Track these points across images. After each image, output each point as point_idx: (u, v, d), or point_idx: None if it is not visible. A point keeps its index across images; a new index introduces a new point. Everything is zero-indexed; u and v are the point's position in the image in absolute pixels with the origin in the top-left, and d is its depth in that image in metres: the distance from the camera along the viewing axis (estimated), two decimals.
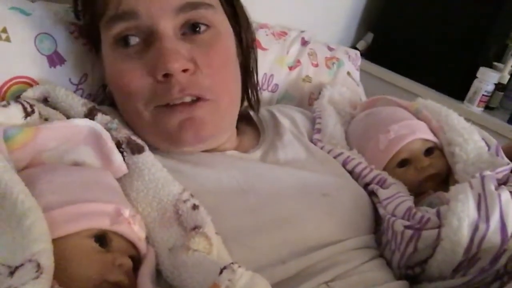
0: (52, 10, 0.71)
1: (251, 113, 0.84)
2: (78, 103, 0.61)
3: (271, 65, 1.01)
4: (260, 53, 0.84)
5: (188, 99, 0.60)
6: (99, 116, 0.59)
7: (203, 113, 0.61)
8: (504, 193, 0.57)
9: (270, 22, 1.08)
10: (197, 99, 0.61)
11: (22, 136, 0.49)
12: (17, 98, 0.62)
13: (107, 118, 0.60)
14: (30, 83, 0.67)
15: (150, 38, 0.59)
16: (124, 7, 0.58)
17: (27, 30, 0.67)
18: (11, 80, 0.65)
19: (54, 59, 0.70)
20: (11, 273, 0.35)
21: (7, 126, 0.49)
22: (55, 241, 0.39)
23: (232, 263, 0.41)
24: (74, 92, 0.70)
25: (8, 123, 0.51)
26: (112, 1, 0.59)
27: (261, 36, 1.00)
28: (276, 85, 1.03)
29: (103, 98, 0.76)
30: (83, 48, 0.73)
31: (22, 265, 0.35)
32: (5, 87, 0.65)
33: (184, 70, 0.58)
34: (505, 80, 1.31)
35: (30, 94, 0.62)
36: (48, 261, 0.36)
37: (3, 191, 0.40)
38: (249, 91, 0.79)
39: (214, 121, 0.63)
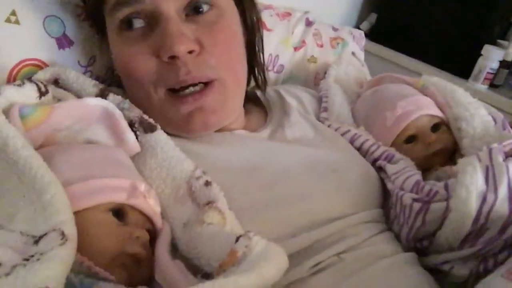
0: None
1: (258, 93, 0.85)
2: (90, 84, 0.62)
3: (276, 45, 1.02)
4: (265, 34, 0.84)
5: (197, 88, 0.61)
6: (111, 96, 0.60)
7: (212, 101, 0.63)
8: None
9: (274, 3, 1.08)
10: (205, 85, 0.62)
11: (37, 115, 0.49)
12: (25, 79, 0.63)
13: (119, 98, 0.60)
14: (40, 65, 0.68)
15: (154, 20, 0.60)
16: None
17: (36, 12, 0.68)
18: (21, 62, 0.66)
19: (63, 42, 0.70)
20: (36, 242, 0.36)
21: (22, 105, 0.50)
22: (74, 214, 0.40)
23: (248, 231, 0.42)
24: (83, 74, 0.70)
25: (23, 102, 0.52)
26: None
27: (265, 17, 1.00)
28: (282, 65, 1.03)
29: (111, 80, 0.77)
30: (91, 30, 0.73)
31: (45, 234, 0.36)
32: (16, 70, 0.66)
33: (190, 52, 0.59)
34: (509, 58, 1.31)
35: (41, 76, 0.63)
36: (71, 230, 0.37)
37: (23, 166, 0.41)
38: (256, 70, 0.79)
39: (223, 106, 0.65)
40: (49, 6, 0.69)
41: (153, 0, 0.58)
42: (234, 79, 0.67)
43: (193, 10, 0.62)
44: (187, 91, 0.62)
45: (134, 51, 0.61)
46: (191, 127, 0.63)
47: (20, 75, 0.66)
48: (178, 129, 0.64)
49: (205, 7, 0.62)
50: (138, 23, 0.61)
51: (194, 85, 0.62)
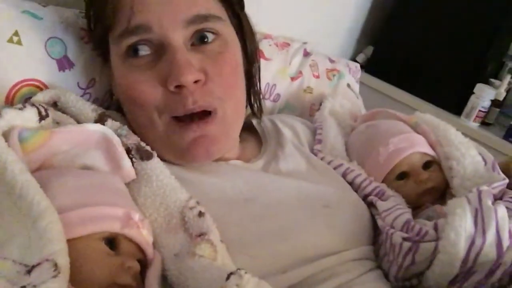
0: (63, 15, 0.73)
1: (254, 122, 0.86)
2: (88, 108, 0.62)
3: (274, 75, 1.03)
4: (263, 63, 0.85)
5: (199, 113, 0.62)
6: (109, 122, 0.60)
7: (215, 130, 0.64)
8: (500, 208, 0.59)
9: (273, 33, 1.10)
10: (209, 114, 0.63)
11: (37, 139, 0.50)
12: (25, 100, 0.63)
13: (117, 124, 0.61)
14: (39, 86, 0.68)
15: (161, 50, 0.61)
16: (136, 21, 0.59)
17: (38, 34, 0.68)
18: (20, 82, 0.66)
19: (64, 63, 0.71)
20: (28, 272, 0.36)
21: (22, 128, 0.50)
22: (67, 242, 0.40)
23: (239, 269, 0.43)
24: (82, 96, 0.71)
25: (23, 125, 0.52)
26: (123, 14, 0.60)
27: (264, 46, 1.02)
28: (278, 95, 1.04)
29: (110, 103, 0.77)
30: (92, 53, 0.74)
31: (39, 264, 0.36)
32: (15, 89, 0.66)
33: (196, 81, 0.60)
34: (501, 97, 1.34)
35: (40, 98, 0.63)
36: (64, 261, 0.37)
37: (19, 192, 0.41)
38: (252, 98, 0.81)
39: (225, 134, 0.66)
40: (53, 28, 0.70)
41: (161, 30, 0.60)
42: (236, 108, 0.68)
43: (198, 40, 0.63)
44: (189, 112, 0.62)
45: (140, 78, 0.62)
46: (194, 155, 0.63)
47: (19, 95, 0.66)
48: (181, 156, 0.65)
49: (210, 37, 0.64)
50: (144, 51, 0.61)
51: (198, 114, 0.62)
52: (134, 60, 0.62)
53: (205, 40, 0.63)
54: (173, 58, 0.59)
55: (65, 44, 0.71)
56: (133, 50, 0.61)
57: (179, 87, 0.59)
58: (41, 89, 0.68)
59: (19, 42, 0.66)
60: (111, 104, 0.77)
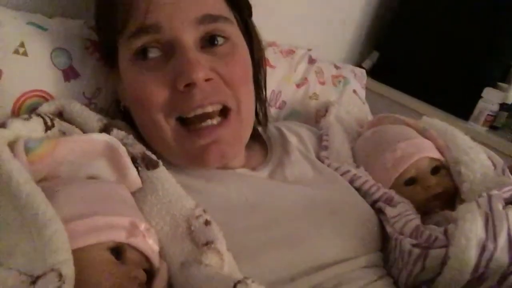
0: (68, 26, 0.73)
1: (259, 129, 0.85)
2: (94, 118, 0.62)
3: (279, 82, 1.03)
4: (268, 70, 0.85)
5: (214, 121, 0.62)
6: (115, 131, 0.60)
7: (229, 133, 0.63)
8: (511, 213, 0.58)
9: (278, 41, 1.10)
10: (222, 114, 0.63)
11: (42, 149, 0.50)
12: (31, 111, 0.63)
13: (123, 133, 0.61)
14: (45, 97, 0.68)
15: (171, 50, 0.61)
16: (148, 21, 0.59)
17: (44, 45, 0.69)
18: (26, 93, 0.67)
19: (69, 74, 0.71)
20: (33, 283, 0.36)
21: (28, 138, 0.50)
22: (73, 252, 0.40)
23: (246, 277, 0.42)
24: (88, 106, 0.71)
25: (29, 136, 0.52)
26: (133, 16, 0.60)
27: (269, 54, 1.02)
28: (284, 102, 1.04)
29: (116, 112, 0.77)
30: (98, 63, 0.74)
31: (44, 274, 0.36)
32: (21, 100, 0.66)
33: (207, 80, 0.60)
34: (509, 100, 1.32)
35: (46, 108, 0.63)
36: (69, 271, 0.37)
37: (24, 201, 0.41)
38: (258, 107, 0.80)
39: (238, 138, 0.65)
40: (58, 38, 0.71)
41: (172, 30, 0.60)
42: (248, 110, 0.68)
43: (208, 42, 0.63)
44: (204, 124, 0.62)
45: (149, 79, 0.61)
46: (208, 161, 0.63)
47: (25, 105, 0.67)
48: (194, 162, 0.64)
49: (220, 40, 0.64)
50: (153, 53, 0.61)
51: (209, 116, 0.62)
52: (143, 63, 0.62)
53: (215, 42, 0.63)
54: (183, 57, 0.59)
55: (71, 54, 0.72)
56: (142, 53, 0.61)
57: (189, 85, 0.59)
58: (47, 100, 0.68)
59: (24, 53, 0.67)
60: (117, 114, 0.77)
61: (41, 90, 0.68)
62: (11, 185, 0.43)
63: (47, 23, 0.71)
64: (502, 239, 0.56)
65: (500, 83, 1.39)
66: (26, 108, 0.67)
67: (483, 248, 0.55)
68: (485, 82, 1.35)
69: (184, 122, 0.63)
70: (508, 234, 0.56)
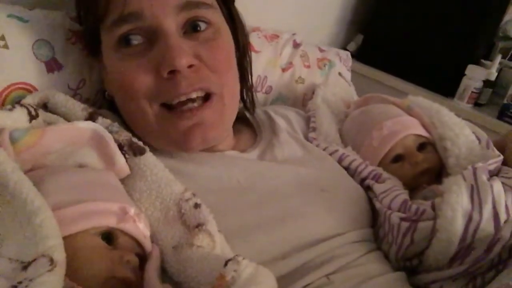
0: (49, 17, 0.72)
1: (247, 113, 0.86)
2: (78, 107, 0.62)
3: (265, 67, 1.03)
4: (253, 55, 0.85)
5: (195, 104, 0.62)
6: (100, 119, 0.60)
7: (211, 115, 0.63)
8: (496, 184, 0.59)
9: (262, 25, 1.10)
10: (205, 98, 0.63)
11: (28, 139, 0.50)
12: (16, 104, 0.63)
13: (108, 121, 0.61)
14: (29, 89, 0.68)
15: (153, 37, 0.61)
16: (129, 9, 0.59)
17: (25, 37, 0.68)
18: (10, 86, 0.66)
19: (52, 65, 0.71)
20: (24, 268, 0.36)
21: (13, 129, 0.50)
22: (64, 239, 0.40)
23: (237, 255, 0.43)
24: (73, 97, 0.70)
25: (14, 126, 0.52)
26: (115, 4, 0.60)
27: (253, 39, 1.02)
28: (270, 86, 1.04)
29: (101, 103, 0.77)
30: (81, 53, 0.74)
31: (35, 260, 0.36)
32: (4, 94, 0.66)
33: (190, 66, 0.60)
34: (493, 77, 1.33)
35: (30, 100, 0.62)
36: (61, 256, 0.37)
37: (12, 190, 0.41)
38: (245, 94, 0.81)
39: (221, 121, 0.65)
40: (39, 30, 0.70)
41: (154, 16, 0.60)
42: (232, 94, 0.68)
43: (191, 28, 0.63)
44: (185, 107, 0.62)
45: (132, 66, 0.61)
46: (190, 143, 0.63)
47: (9, 98, 0.66)
48: (176, 145, 0.64)
49: (202, 26, 0.64)
50: (136, 40, 0.61)
51: (193, 101, 0.62)
52: (126, 50, 0.62)
53: (198, 28, 0.63)
54: (165, 44, 0.59)
55: (53, 46, 0.71)
56: (125, 40, 0.61)
57: (172, 72, 0.59)
58: (31, 92, 0.67)
59: (5, 46, 0.66)
60: (103, 104, 0.77)
61: (25, 83, 0.68)
62: None
63: (28, 14, 0.70)
64: (487, 210, 0.57)
65: (483, 61, 1.41)
66: (10, 101, 0.66)
67: (469, 219, 0.57)
68: (470, 60, 1.36)
69: (168, 107, 0.63)
70: (493, 205, 0.57)
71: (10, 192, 0.41)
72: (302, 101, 1.05)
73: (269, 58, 1.04)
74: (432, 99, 0.86)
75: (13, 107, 0.55)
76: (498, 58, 1.33)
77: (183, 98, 0.61)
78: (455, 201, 0.57)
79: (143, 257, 0.48)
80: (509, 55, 1.51)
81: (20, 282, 0.34)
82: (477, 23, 1.36)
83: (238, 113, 0.75)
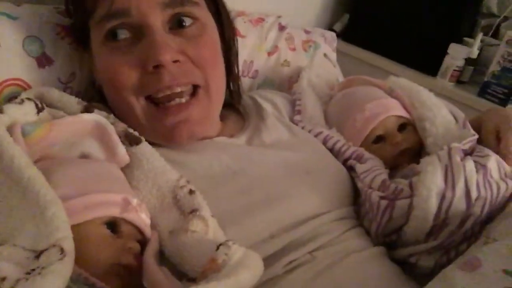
0: (38, 12, 0.74)
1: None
2: (73, 101, 0.64)
3: (250, 51, 1.05)
4: (239, 40, 0.87)
5: (182, 100, 0.65)
6: (96, 112, 0.63)
7: (198, 112, 0.66)
8: (469, 163, 0.63)
9: (247, 9, 1.11)
10: (191, 96, 0.66)
11: (39, 132, 0.53)
12: (9, 100, 0.65)
13: (104, 113, 0.63)
14: (22, 85, 0.70)
15: (140, 33, 0.63)
16: (116, 5, 0.61)
17: (15, 34, 0.70)
18: (2, 83, 0.68)
19: (43, 60, 0.73)
20: (37, 257, 0.40)
21: (24, 123, 0.53)
22: (71, 228, 0.43)
23: (228, 240, 0.47)
24: (64, 90, 0.72)
25: (24, 119, 0.56)
26: (103, 0, 0.62)
27: (239, 23, 1.03)
28: (256, 71, 1.06)
29: (92, 95, 0.79)
30: (70, 47, 0.76)
31: (46, 249, 0.40)
32: None
33: (175, 61, 0.63)
34: (474, 55, 1.36)
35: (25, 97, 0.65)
36: (70, 246, 0.41)
37: (26, 184, 0.45)
38: (231, 85, 0.83)
39: (207, 116, 0.68)
40: (28, 27, 0.72)
41: (140, 13, 0.62)
42: (217, 89, 0.71)
43: (176, 24, 0.65)
44: (172, 102, 0.65)
45: (119, 60, 0.64)
46: (177, 138, 0.66)
47: (2, 94, 0.68)
48: (164, 139, 0.67)
49: (188, 21, 0.66)
50: (123, 34, 0.64)
51: (180, 96, 0.65)
52: (113, 44, 0.64)
53: (183, 24, 0.66)
54: (151, 40, 0.62)
55: (42, 41, 0.73)
56: (112, 34, 0.63)
57: (157, 67, 0.62)
58: (24, 88, 0.70)
59: None
60: (93, 97, 0.79)
61: (17, 79, 0.70)
62: (13, 168, 0.46)
63: (16, 11, 0.72)
64: (460, 188, 0.61)
65: (466, 38, 1.43)
66: (5, 96, 0.68)
67: (442, 197, 0.61)
68: (452, 38, 1.39)
69: (154, 101, 0.65)
70: (465, 183, 0.61)
71: (24, 186, 0.45)
72: (288, 84, 1.07)
73: (254, 42, 1.06)
74: (416, 77, 0.89)
75: (22, 100, 0.57)
76: (480, 36, 1.36)
77: (167, 92, 0.64)
78: (430, 181, 0.62)
79: (144, 244, 0.52)
80: (491, 32, 1.53)
81: (33, 270, 0.38)
82: (459, 2, 1.38)
83: (225, 100, 0.78)
